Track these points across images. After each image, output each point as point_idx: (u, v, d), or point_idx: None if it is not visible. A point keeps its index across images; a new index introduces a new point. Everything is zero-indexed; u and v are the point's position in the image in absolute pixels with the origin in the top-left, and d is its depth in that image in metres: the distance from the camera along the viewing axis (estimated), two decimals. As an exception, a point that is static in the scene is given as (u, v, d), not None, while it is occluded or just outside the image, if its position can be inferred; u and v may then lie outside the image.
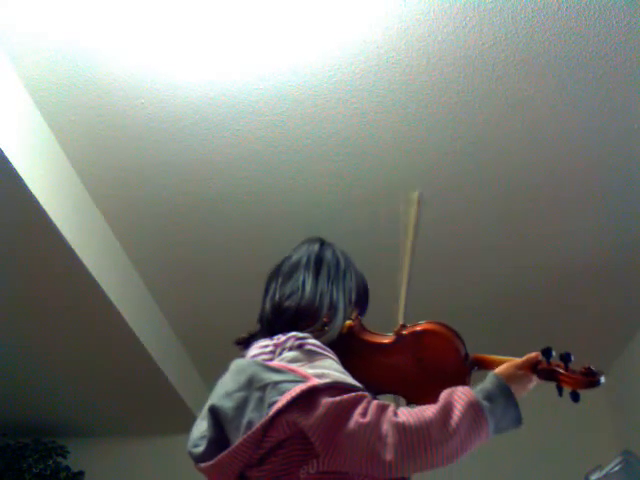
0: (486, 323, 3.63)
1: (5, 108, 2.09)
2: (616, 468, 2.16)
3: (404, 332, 1.32)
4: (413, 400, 1.20)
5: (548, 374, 1.20)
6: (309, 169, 2.58)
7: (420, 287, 3.18)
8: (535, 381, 1.24)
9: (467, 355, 1.28)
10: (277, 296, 1.38)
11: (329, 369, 1.16)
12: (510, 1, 1.96)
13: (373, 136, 2.43)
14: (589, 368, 1.16)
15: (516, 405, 1.15)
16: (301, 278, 1.38)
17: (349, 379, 1.15)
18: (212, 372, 4.63)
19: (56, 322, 2.99)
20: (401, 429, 1.05)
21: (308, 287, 1.36)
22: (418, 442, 1.05)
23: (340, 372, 1.17)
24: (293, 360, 1.19)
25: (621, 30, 2.03)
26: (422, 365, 1.28)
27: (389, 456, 1.04)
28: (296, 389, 1.09)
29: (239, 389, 1.18)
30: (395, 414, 1.08)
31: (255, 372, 1.18)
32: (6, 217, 2.32)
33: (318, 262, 1.41)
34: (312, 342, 1.22)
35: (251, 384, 1.17)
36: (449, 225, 2.90)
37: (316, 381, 1.11)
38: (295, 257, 1.44)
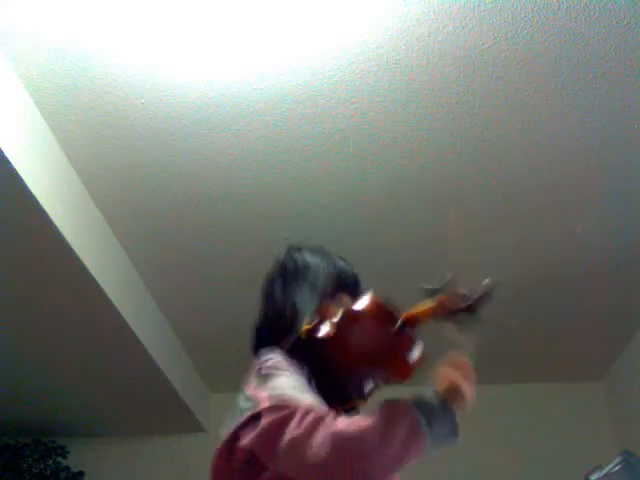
0: (486, 323, 3.62)
1: (5, 108, 2.09)
2: (616, 468, 2.16)
3: (337, 320, 1.33)
4: (386, 377, 1.26)
5: (451, 315, 1.23)
6: (309, 169, 2.59)
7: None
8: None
9: (395, 320, 1.26)
10: (256, 320, 1.44)
11: (279, 388, 1.20)
12: (510, 1, 1.96)
13: (373, 136, 2.44)
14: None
15: (452, 418, 1.15)
16: (270, 297, 1.44)
17: (295, 393, 1.18)
18: (212, 372, 4.64)
19: (56, 322, 2.99)
20: (336, 437, 1.08)
21: (277, 301, 1.41)
22: (352, 450, 1.08)
23: (292, 387, 1.21)
24: (255, 386, 1.25)
25: (621, 30, 2.03)
26: (362, 344, 1.29)
27: (323, 463, 1.07)
28: (242, 417, 1.19)
29: (231, 417, 1.28)
30: (331, 423, 1.11)
31: (238, 400, 1.27)
32: (6, 217, 2.32)
33: (282, 272, 1.46)
34: (268, 365, 1.27)
35: (234, 411, 1.26)
36: (447, 225, 2.90)
37: (260, 406, 1.18)
38: (267, 277, 1.50)
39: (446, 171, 2.61)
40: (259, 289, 1.50)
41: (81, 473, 3.95)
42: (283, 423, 1.12)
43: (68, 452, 3.96)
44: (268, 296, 1.45)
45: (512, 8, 1.97)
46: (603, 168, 2.58)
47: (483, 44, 2.08)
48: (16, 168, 2.09)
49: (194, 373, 4.11)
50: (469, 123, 2.39)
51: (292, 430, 1.10)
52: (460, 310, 1.21)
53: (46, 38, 2.04)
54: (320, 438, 1.08)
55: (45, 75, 2.16)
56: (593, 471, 2.24)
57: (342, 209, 2.80)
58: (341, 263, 1.49)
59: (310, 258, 1.47)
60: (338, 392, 1.27)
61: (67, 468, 3.91)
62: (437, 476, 3.91)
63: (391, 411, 1.13)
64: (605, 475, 2.17)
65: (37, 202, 2.22)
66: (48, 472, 3.84)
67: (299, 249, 1.51)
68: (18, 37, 2.04)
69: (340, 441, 1.08)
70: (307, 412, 1.13)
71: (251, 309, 1.51)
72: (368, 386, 1.33)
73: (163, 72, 2.17)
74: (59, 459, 3.93)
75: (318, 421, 1.11)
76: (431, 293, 1.23)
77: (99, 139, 2.43)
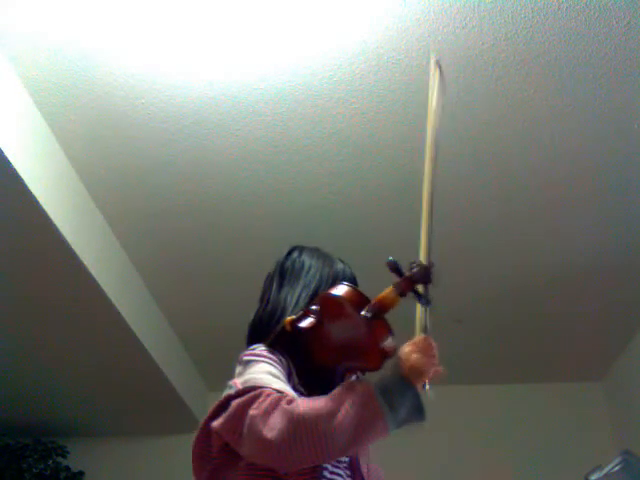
0: (485, 323, 3.63)
1: (5, 108, 2.09)
2: (616, 468, 2.16)
3: (316, 307, 1.33)
4: (363, 365, 1.28)
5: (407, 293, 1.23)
6: (309, 169, 2.59)
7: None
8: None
9: (364, 308, 1.25)
10: (251, 319, 1.45)
11: (255, 373, 1.22)
12: (510, 1, 1.96)
13: (373, 136, 2.44)
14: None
15: (414, 394, 1.13)
16: (266, 295, 1.45)
17: (268, 377, 1.20)
18: (212, 371, 4.63)
19: (56, 322, 2.99)
20: (290, 416, 1.09)
21: (271, 300, 1.42)
22: (305, 429, 1.08)
23: (266, 372, 1.22)
24: (237, 374, 1.27)
25: (621, 30, 2.03)
26: (341, 329, 1.30)
27: (276, 442, 1.08)
28: (216, 402, 1.20)
29: None
30: (288, 403, 1.12)
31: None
32: (6, 217, 2.32)
33: (280, 272, 1.47)
34: (249, 352, 1.28)
35: None
36: (448, 225, 2.90)
37: (233, 391, 1.19)
38: (266, 276, 1.50)
39: (446, 171, 2.61)
40: (258, 288, 1.50)
41: (81, 473, 3.95)
42: (246, 405, 1.13)
43: (68, 452, 3.96)
44: (264, 295, 1.46)
45: (512, 8, 1.98)
46: (603, 168, 2.59)
47: (483, 44, 2.08)
48: (16, 168, 2.09)
49: (193, 372, 4.11)
50: (469, 123, 2.39)
51: (252, 411, 1.11)
52: (412, 287, 1.22)
53: (46, 38, 2.04)
54: (275, 418, 1.09)
55: (45, 75, 2.16)
56: (593, 471, 2.23)
57: (342, 209, 2.80)
58: (339, 265, 1.49)
59: (307, 259, 1.47)
60: (323, 385, 1.28)
61: (67, 468, 3.91)
62: (436, 476, 3.92)
63: (346, 389, 1.14)
64: (605, 475, 2.17)
65: (37, 202, 2.23)
66: (48, 472, 3.83)
67: (299, 250, 1.51)
68: (18, 37, 2.04)
69: (292, 419, 1.08)
70: (269, 394, 1.14)
71: (250, 308, 1.51)
72: (351, 378, 1.33)
73: (163, 72, 2.17)
74: (59, 459, 3.93)
75: (277, 402, 1.12)
76: (391, 266, 1.23)
77: (99, 139, 2.43)
